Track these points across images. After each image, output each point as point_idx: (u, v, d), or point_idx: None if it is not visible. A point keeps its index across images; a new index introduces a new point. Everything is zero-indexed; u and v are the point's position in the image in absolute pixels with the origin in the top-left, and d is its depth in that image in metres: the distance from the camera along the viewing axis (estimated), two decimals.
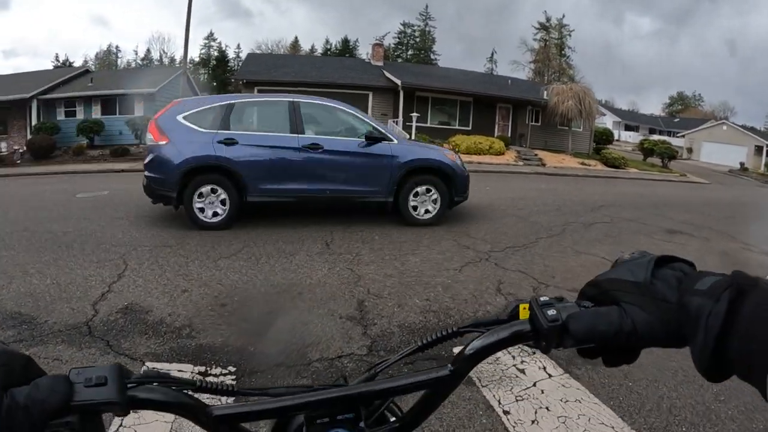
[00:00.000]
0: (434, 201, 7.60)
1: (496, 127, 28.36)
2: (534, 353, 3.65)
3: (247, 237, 6.76)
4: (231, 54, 68.38)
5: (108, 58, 68.13)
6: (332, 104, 7.83)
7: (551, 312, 0.57)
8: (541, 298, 0.60)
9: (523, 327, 0.60)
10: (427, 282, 5.18)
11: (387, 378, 0.65)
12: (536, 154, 25.36)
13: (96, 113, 24.70)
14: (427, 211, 7.61)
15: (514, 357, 3.59)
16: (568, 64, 60.59)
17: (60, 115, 24.91)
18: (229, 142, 6.82)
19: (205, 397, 0.60)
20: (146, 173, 7.13)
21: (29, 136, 23.30)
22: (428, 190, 7.55)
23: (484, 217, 8.63)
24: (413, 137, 21.51)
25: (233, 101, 7.32)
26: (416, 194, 7.54)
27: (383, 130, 7.59)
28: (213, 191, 6.93)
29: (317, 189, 7.21)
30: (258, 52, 46.88)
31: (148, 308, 4.31)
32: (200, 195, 6.93)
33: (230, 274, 5.23)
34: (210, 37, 68.67)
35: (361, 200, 7.53)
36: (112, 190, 11.78)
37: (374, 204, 7.61)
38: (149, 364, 3.36)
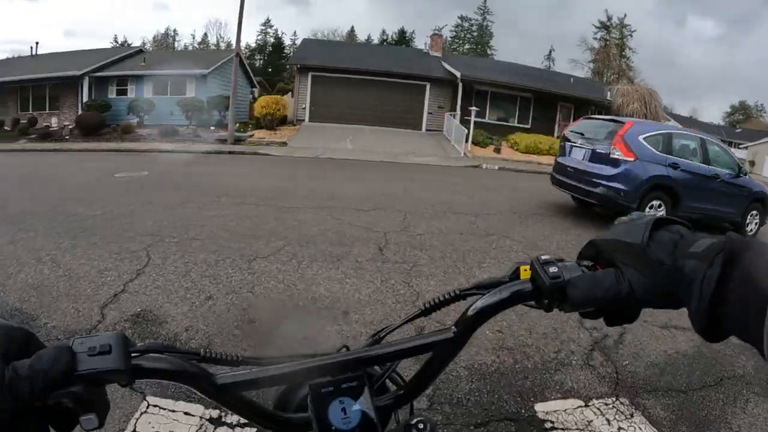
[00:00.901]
0: (756, 223, 9.32)
1: (557, 126, 26.86)
2: (631, 416, 2.90)
3: (288, 233, 6.06)
4: (287, 41, 68.79)
5: (165, 41, 69.30)
6: (717, 142, 9.41)
7: (553, 269, 0.58)
8: (542, 257, 0.59)
9: (524, 286, 0.60)
10: None
11: (391, 342, 0.64)
12: None
13: (147, 93, 24.67)
14: (751, 230, 9.24)
15: (609, 422, 2.80)
16: (628, 66, 57.84)
17: (111, 93, 24.97)
18: (674, 165, 8.02)
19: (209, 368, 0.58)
20: (607, 183, 7.94)
21: (80, 113, 23.45)
22: (755, 214, 9.26)
23: (555, 226, 7.75)
24: (471, 132, 20.60)
25: (671, 131, 8.79)
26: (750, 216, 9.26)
27: (742, 167, 9.30)
28: (659, 206, 7.99)
29: (711, 209, 8.49)
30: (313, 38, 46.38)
31: (164, 318, 3.64)
32: (649, 207, 7.96)
33: (264, 280, 4.50)
34: (267, 23, 69.16)
35: (726, 220, 8.96)
36: (153, 171, 11.33)
37: (729, 223, 9.00)
38: (150, 399, 2.65)
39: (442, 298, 0.65)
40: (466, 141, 20.55)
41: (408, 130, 25.12)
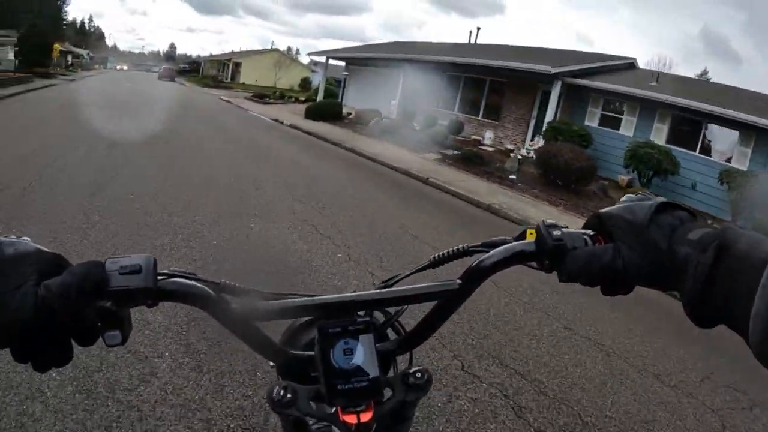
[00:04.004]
0: None
1: None
2: None
3: None
4: None
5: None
6: None
7: (556, 232, 0.60)
8: (548, 221, 0.62)
9: (528, 247, 0.63)
10: None
11: (399, 289, 0.67)
12: None
13: (658, 136, 13.72)
14: None
15: None
16: None
17: (591, 119, 14.89)
18: None
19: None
20: None
21: (532, 137, 13.89)
22: None
23: None
24: None
25: None
26: None
27: None
28: None
29: None
30: None
31: None
32: None
33: None
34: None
35: None
36: None
37: None
38: None
39: (450, 252, 0.69)
40: None
41: None
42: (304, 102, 26.76)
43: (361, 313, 0.65)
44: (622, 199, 0.62)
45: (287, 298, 0.64)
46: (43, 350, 0.49)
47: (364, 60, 22.54)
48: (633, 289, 0.58)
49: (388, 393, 0.65)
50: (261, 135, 13.87)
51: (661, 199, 0.59)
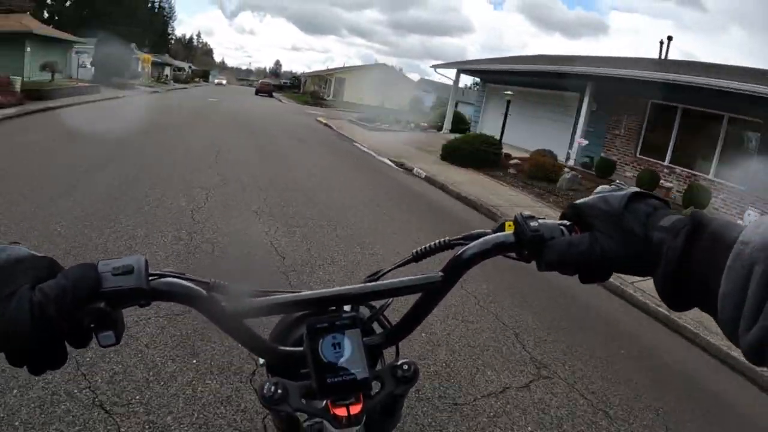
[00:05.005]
0: None
1: None
2: None
3: None
4: None
5: None
6: None
7: (533, 224, 0.61)
8: (525, 213, 0.63)
9: (508, 238, 0.64)
10: None
11: (384, 282, 0.67)
12: None
13: None
14: None
15: None
16: None
17: None
18: None
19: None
20: None
21: None
22: None
23: None
24: None
25: None
26: None
27: None
28: None
29: None
30: None
31: None
32: None
33: None
34: None
35: None
36: None
37: None
38: None
39: (432, 246, 0.70)
40: None
41: None
42: (427, 129, 21.18)
43: (347, 308, 0.68)
44: (597, 190, 0.62)
45: (275, 294, 0.64)
46: (39, 354, 0.48)
47: (509, 75, 16.38)
48: (610, 276, 0.58)
49: (377, 387, 0.64)
50: (384, 206, 7.80)
51: (634, 188, 0.59)
